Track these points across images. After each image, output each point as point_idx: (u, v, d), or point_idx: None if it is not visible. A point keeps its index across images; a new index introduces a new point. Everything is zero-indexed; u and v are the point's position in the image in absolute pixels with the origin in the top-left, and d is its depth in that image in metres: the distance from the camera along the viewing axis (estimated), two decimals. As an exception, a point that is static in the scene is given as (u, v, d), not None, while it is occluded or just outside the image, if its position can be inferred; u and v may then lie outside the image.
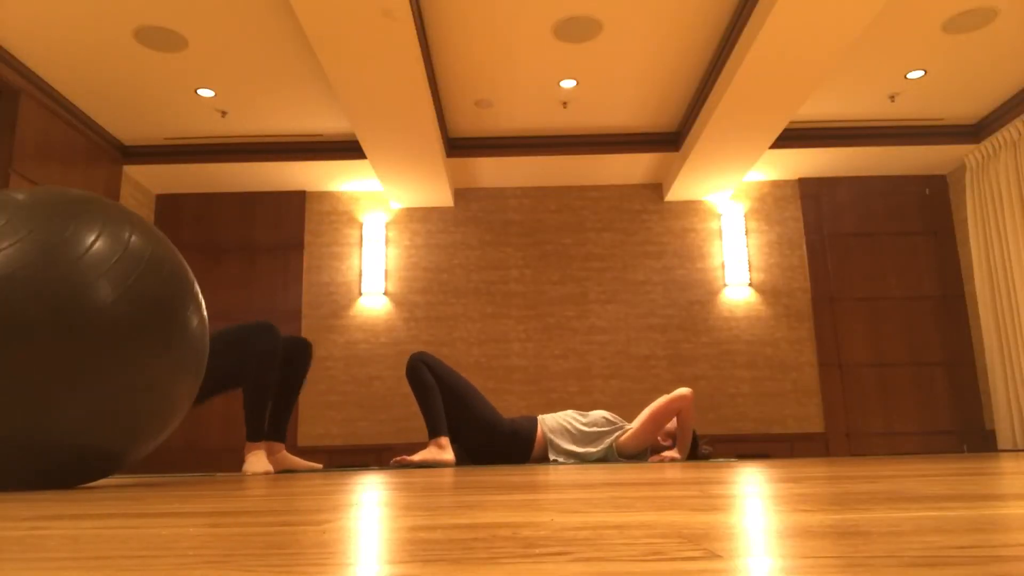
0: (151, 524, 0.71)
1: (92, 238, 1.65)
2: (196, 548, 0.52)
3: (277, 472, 2.95)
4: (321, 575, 0.40)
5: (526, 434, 3.35)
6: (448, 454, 3.18)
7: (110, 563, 0.46)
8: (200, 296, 1.89)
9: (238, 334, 2.85)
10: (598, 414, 3.43)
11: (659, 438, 3.41)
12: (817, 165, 5.67)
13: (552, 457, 3.33)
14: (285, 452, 3.04)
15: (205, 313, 1.91)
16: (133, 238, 1.72)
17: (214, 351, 2.75)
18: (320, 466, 3.17)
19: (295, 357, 3.06)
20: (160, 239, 1.83)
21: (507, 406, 5.55)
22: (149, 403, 1.68)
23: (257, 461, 2.83)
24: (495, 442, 3.33)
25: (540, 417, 3.44)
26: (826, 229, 5.82)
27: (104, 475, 1.77)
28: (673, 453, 3.28)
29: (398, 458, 3.21)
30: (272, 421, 3.04)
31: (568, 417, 3.43)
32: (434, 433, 3.22)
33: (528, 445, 3.35)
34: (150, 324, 1.66)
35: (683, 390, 3.27)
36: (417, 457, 3.16)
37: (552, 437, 3.34)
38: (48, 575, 0.42)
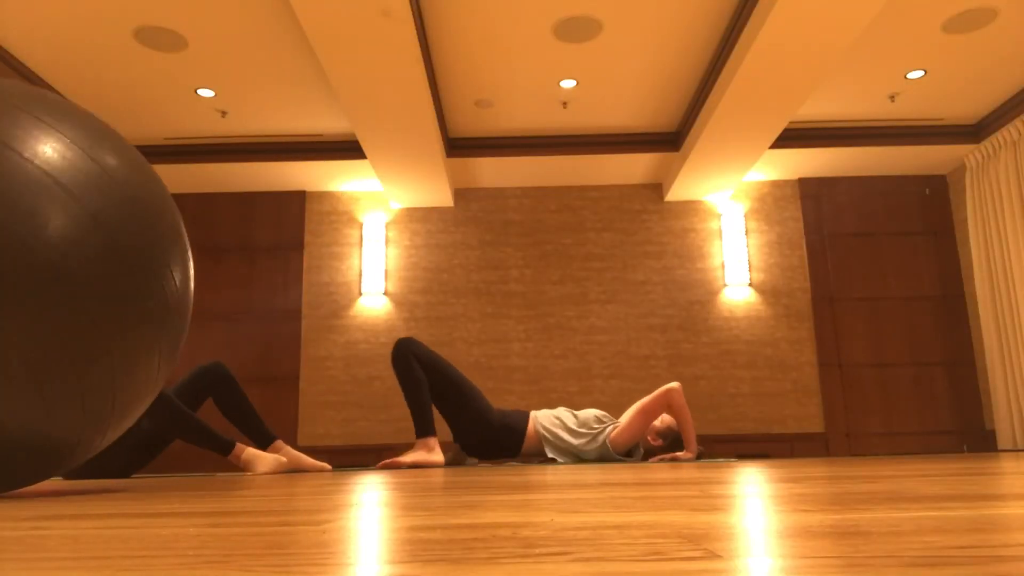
0: (151, 524, 0.71)
1: (42, 146, 1.17)
2: (196, 548, 0.52)
3: (286, 470, 2.92)
4: (321, 575, 0.40)
5: (517, 427, 3.32)
6: (437, 455, 3.15)
7: (110, 563, 0.46)
8: (188, 246, 1.47)
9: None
10: (589, 413, 3.42)
11: (649, 438, 3.41)
12: (817, 165, 5.67)
13: (550, 455, 3.32)
14: (288, 448, 3.03)
15: (192, 269, 1.49)
16: (107, 156, 1.27)
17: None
18: (329, 467, 3.13)
19: (212, 385, 3.04)
20: (143, 165, 1.38)
21: (507, 406, 5.55)
22: (111, 382, 1.26)
23: (260, 460, 2.81)
24: (486, 434, 3.31)
25: (533, 413, 3.42)
26: (826, 229, 5.82)
27: (51, 473, 1.36)
28: (684, 453, 3.28)
29: (386, 460, 3.19)
30: (252, 435, 3.04)
31: (561, 414, 3.42)
32: (423, 433, 3.19)
33: (519, 439, 3.33)
34: (119, 276, 1.22)
35: (671, 384, 3.28)
36: (407, 459, 3.14)
37: (546, 434, 3.33)
38: (48, 575, 0.42)
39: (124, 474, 2.87)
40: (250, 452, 2.84)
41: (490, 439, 3.32)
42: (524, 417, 3.38)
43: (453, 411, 3.31)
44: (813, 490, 1.00)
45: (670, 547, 0.46)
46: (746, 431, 5.50)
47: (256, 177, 5.67)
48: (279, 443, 3.02)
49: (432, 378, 3.28)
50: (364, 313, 5.71)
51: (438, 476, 1.95)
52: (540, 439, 3.34)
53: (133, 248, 1.26)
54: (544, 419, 3.37)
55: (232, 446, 2.81)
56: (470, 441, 3.35)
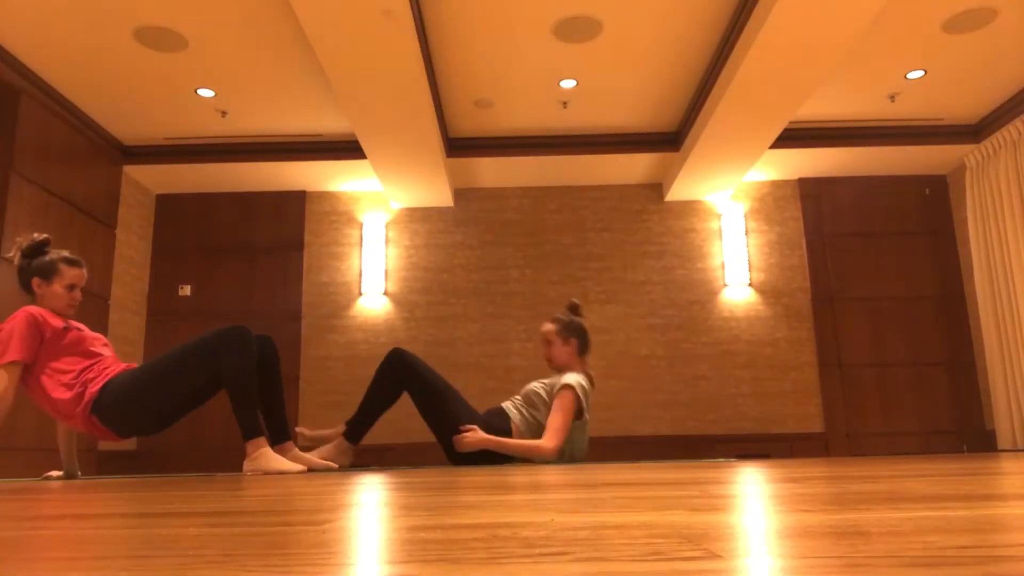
0: (151, 524, 0.71)
1: None
2: (196, 548, 0.52)
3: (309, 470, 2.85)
4: (321, 575, 0.40)
5: (503, 429, 3.28)
6: (346, 457, 3.21)
7: (110, 563, 0.46)
8: None
9: (212, 344, 2.73)
10: (532, 391, 3.37)
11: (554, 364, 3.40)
12: (817, 165, 5.67)
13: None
14: (298, 451, 2.93)
15: None
16: None
17: (186, 366, 2.70)
18: (335, 465, 3.07)
19: (261, 356, 2.97)
20: None
21: (507, 406, 5.54)
22: None
23: (274, 458, 2.70)
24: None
25: (504, 406, 3.38)
26: (826, 229, 5.82)
27: None
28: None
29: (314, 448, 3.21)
30: (272, 423, 2.94)
31: (518, 405, 3.39)
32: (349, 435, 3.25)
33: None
34: None
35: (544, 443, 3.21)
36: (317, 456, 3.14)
37: (524, 430, 3.30)
38: (48, 575, 0.42)
39: (161, 427, 2.81)
40: (268, 450, 2.71)
41: (480, 450, 3.27)
42: (505, 418, 3.33)
43: (436, 419, 3.26)
44: (813, 490, 1.00)
45: (670, 547, 0.46)
46: (746, 431, 5.50)
47: (256, 177, 5.67)
48: (290, 444, 2.95)
49: (415, 385, 3.24)
50: (364, 313, 5.71)
51: (438, 476, 1.95)
52: (518, 433, 3.31)
53: None
54: (516, 417, 3.33)
55: (260, 432, 2.71)
56: (457, 449, 3.30)
